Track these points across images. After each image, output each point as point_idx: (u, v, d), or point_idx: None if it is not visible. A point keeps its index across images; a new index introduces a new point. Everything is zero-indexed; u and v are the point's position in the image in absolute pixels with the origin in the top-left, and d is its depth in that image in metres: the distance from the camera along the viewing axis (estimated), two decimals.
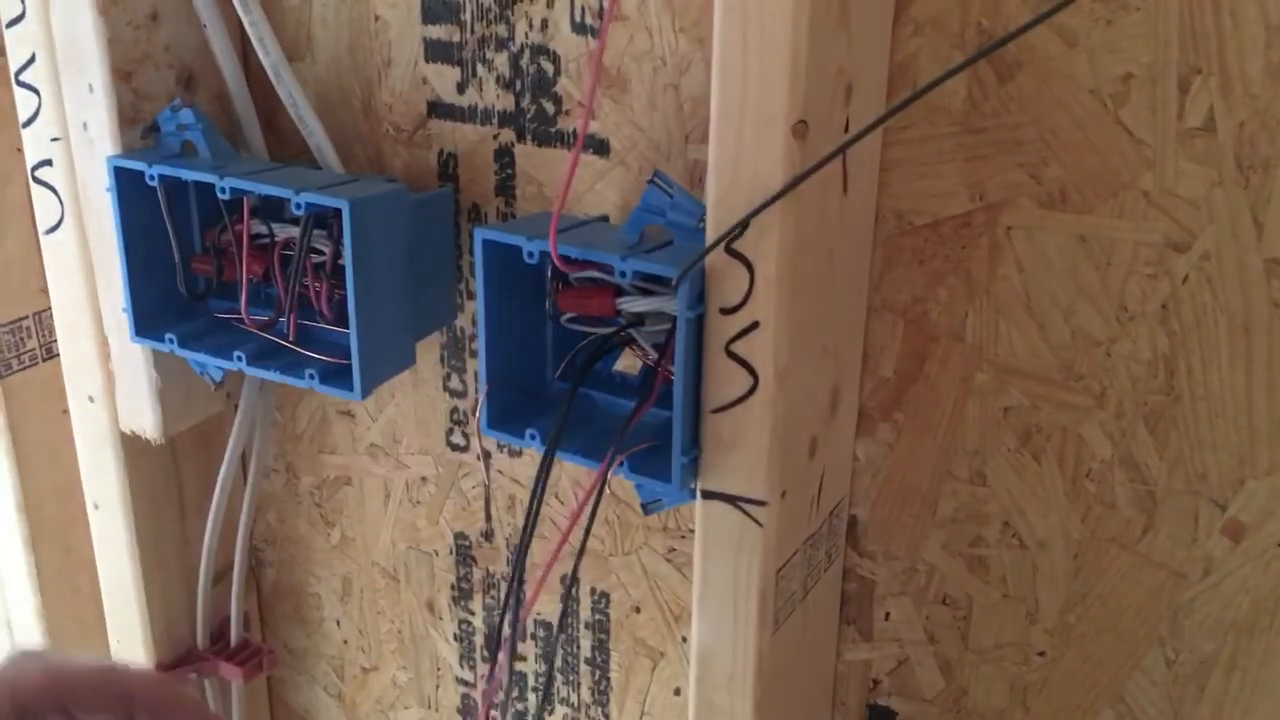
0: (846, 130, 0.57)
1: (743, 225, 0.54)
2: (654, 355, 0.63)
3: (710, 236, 0.56)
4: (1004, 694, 0.71)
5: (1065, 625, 0.68)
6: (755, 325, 0.56)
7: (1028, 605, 0.68)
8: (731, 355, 0.57)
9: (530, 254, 0.61)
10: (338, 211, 0.67)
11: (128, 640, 0.90)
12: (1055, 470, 0.65)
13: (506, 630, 0.64)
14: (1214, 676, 0.65)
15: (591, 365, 0.66)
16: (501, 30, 0.71)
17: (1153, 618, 0.65)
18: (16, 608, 1.03)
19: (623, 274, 0.59)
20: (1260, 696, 0.64)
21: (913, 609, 0.72)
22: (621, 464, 0.62)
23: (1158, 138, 0.58)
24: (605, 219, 0.70)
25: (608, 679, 0.84)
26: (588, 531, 0.65)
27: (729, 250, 0.55)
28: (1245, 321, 0.59)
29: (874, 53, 0.60)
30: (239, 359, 0.73)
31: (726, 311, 0.57)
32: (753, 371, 0.57)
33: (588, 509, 0.62)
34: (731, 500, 0.60)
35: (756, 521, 0.59)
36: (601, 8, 0.67)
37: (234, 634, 0.94)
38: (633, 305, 0.62)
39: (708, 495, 0.61)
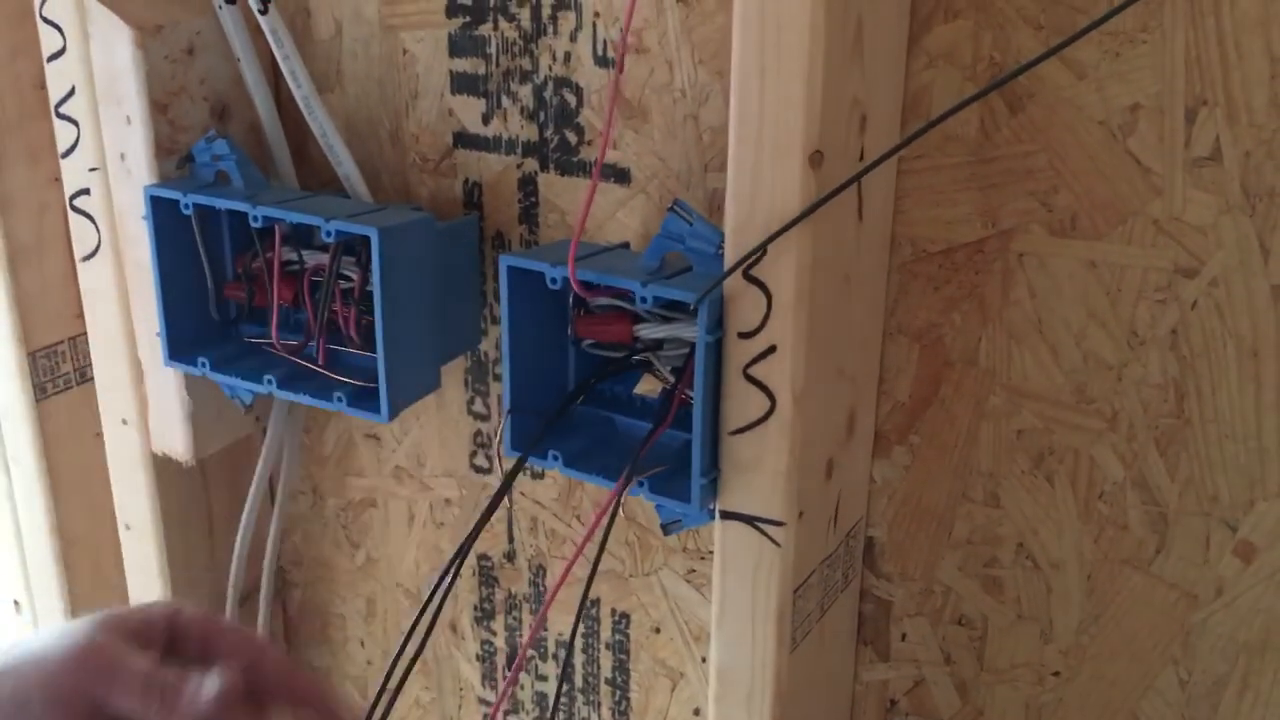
0: (862, 159, 0.59)
1: (760, 250, 0.56)
2: (671, 379, 0.65)
3: (729, 263, 0.57)
4: (1019, 714, 0.72)
5: (1079, 645, 0.68)
6: (773, 349, 0.57)
7: (1042, 626, 0.69)
8: (749, 378, 0.59)
9: (553, 280, 0.63)
10: (366, 239, 0.68)
11: None
12: (1068, 492, 0.66)
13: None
14: (1226, 696, 0.65)
15: (592, 384, 0.68)
16: (526, 63, 0.73)
17: (1166, 638, 0.66)
18: (47, 626, 1.05)
19: (643, 299, 0.61)
20: (1273, 716, 0.64)
21: (929, 629, 0.73)
22: (641, 485, 0.63)
23: (1165, 166, 0.59)
24: (626, 246, 0.72)
25: (628, 699, 0.85)
26: (601, 548, 0.66)
27: (747, 276, 0.57)
28: (1254, 345, 0.60)
29: (888, 84, 0.62)
30: (269, 382, 0.75)
31: (745, 336, 0.58)
32: (770, 394, 0.58)
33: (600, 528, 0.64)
34: (750, 521, 0.61)
35: (774, 542, 0.61)
36: (623, 40, 0.69)
37: None
38: (650, 332, 0.64)
39: (726, 516, 0.62)
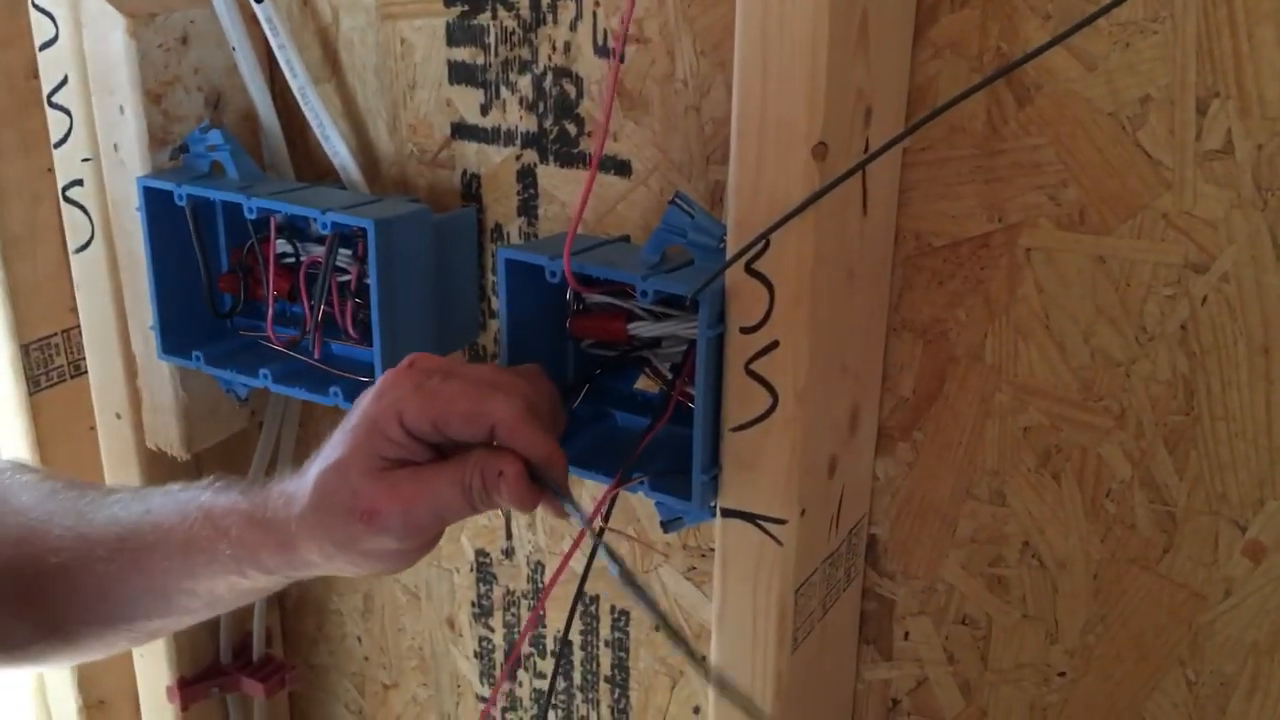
0: (866, 152, 0.58)
1: (762, 243, 0.55)
2: (668, 377, 0.64)
3: (730, 256, 0.56)
4: (1024, 715, 0.71)
5: (1085, 646, 0.68)
6: (775, 344, 0.56)
7: (1048, 625, 0.68)
8: (751, 374, 0.58)
9: (552, 273, 0.62)
10: (363, 231, 0.68)
11: (151, 655, 0.91)
12: (1075, 490, 0.65)
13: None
14: (1235, 698, 0.64)
15: (583, 385, 0.67)
16: (525, 53, 0.72)
17: (1173, 639, 0.65)
18: None
19: (644, 293, 0.60)
20: None
21: (932, 629, 0.72)
22: (642, 482, 0.62)
23: (1176, 160, 0.58)
24: (627, 239, 0.71)
25: (627, 697, 0.84)
26: (594, 549, 0.65)
27: (749, 270, 0.56)
28: (1265, 343, 0.59)
29: (894, 76, 0.61)
30: (265, 377, 0.74)
31: (747, 331, 0.57)
32: (773, 390, 0.57)
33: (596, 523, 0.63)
34: (751, 518, 0.60)
35: (776, 540, 0.60)
36: (624, 32, 0.68)
37: (256, 650, 0.95)
38: (643, 330, 0.63)
39: (727, 513, 0.61)
